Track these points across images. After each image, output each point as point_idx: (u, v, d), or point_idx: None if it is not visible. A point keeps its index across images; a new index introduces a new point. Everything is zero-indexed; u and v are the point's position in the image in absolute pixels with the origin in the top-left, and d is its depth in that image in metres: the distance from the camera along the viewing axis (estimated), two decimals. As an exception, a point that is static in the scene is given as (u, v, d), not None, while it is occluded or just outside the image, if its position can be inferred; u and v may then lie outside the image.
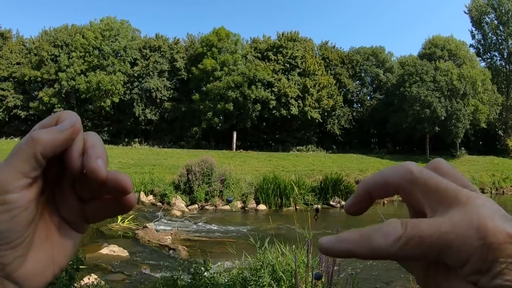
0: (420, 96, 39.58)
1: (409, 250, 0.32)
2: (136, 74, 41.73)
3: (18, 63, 41.83)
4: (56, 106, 38.62)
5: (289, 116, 41.27)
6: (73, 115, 0.42)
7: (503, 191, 27.14)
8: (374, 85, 49.04)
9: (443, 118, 39.61)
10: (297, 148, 42.78)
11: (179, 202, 16.55)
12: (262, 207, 17.28)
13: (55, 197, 0.45)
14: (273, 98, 40.78)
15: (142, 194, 17.36)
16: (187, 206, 16.67)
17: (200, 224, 13.68)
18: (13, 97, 40.81)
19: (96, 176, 0.40)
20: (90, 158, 0.40)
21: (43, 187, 0.43)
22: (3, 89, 40.87)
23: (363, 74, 48.49)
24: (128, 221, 12.58)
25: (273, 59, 42.80)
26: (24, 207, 0.39)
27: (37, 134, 0.40)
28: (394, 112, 42.20)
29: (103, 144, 0.43)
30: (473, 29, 47.56)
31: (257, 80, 40.13)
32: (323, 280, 3.87)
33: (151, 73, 41.73)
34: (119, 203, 0.44)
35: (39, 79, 40.18)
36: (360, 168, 25.07)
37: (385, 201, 19.88)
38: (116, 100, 39.95)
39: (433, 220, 0.33)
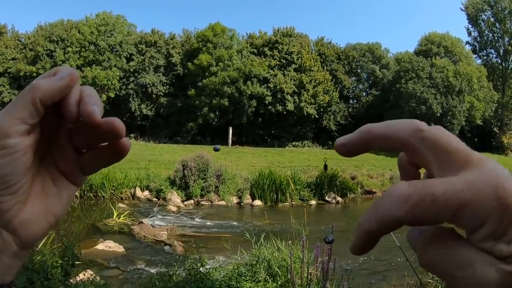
0: (416, 92, 39.72)
1: (422, 210, 0.29)
2: (132, 69, 41.55)
3: (13, 59, 41.48)
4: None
5: (285, 112, 41.23)
6: (70, 68, 0.44)
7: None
8: (370, 81, 49.06)
9: (438, 114, 39.78)
10: (293, 143, 42.75)
11: (174, 198, 16.53)
12: (257, 202, 17.27)
13: (52, 151, 0.47)
14: (269, 93, 40.68)
15: (137, 190, 17.30)
16: (182, 201, 16.64)
17: (195, 219, 13.70)
18: (8, 93, 40.42)
19: (91, 119, 0.41)
20: (86, 104, 0.42)
21: (40, 140, 0.44)
22: (-2, 84, 40.58)
23: (359, 70, 48.47)
24: (123, 216, 12.56)
25: (269, 54, 42.67)
26: (23, 151, 0.41)
27: (37, 82, 0.42)
28: (390, 109, 42.28)
29: (98, 96, 0.44)
30: (469, 26, 47.60)
31: (252, 75, 40.03)
32: (318, 273, 3.88)
33: (147, 68, 41.55)
34: (114, 149, 0.46)
35: (34, 74, 39.70)
36: (355, 164, 25.03)
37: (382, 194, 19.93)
38: (112, 95, 39.82)
39: (446, 179, 0.31)
